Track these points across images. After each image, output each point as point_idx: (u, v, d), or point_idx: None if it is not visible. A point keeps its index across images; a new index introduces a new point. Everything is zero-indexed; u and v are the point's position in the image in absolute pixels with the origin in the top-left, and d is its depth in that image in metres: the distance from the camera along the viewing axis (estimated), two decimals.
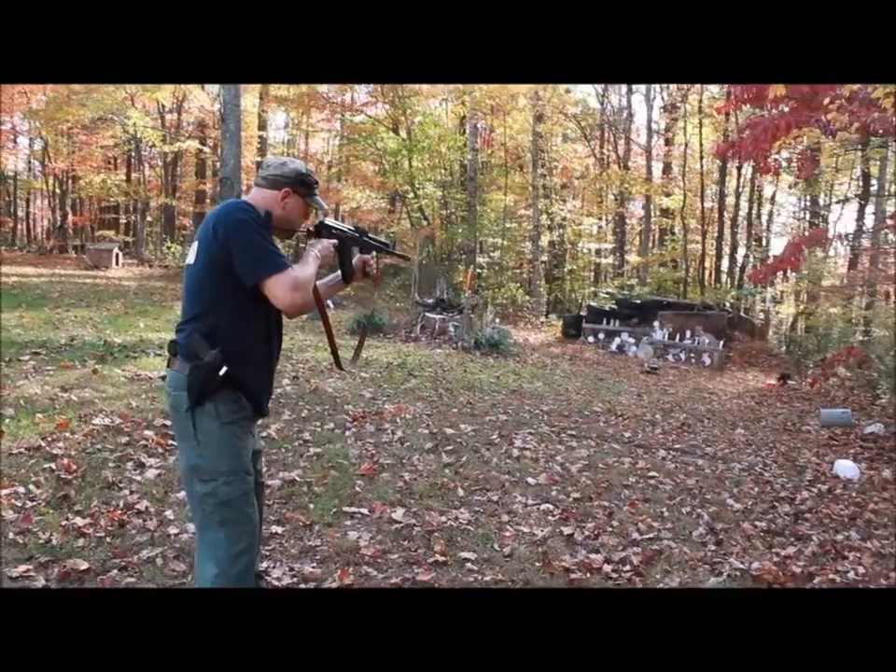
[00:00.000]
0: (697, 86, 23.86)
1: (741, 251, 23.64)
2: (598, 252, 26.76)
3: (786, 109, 9.11)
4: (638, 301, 19.03)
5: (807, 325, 20.82)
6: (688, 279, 24.19)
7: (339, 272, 2.77)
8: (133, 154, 27.37)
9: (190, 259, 2.45)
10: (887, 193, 21.38)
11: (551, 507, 4.68)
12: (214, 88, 24.94)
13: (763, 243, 25.85)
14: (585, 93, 27.17)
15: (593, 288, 24.88)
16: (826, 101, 6.03)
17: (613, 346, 17.39)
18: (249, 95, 22.88)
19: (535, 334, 18.91)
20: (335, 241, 2.67)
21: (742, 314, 20.34)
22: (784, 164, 9.16)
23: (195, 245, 2.44)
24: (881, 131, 7.04)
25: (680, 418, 8.73)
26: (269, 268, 2.28)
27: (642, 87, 24.52)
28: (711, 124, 24.48)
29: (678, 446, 6.94)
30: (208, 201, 25.50)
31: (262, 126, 25.04)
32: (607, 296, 23.24)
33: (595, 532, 4.32)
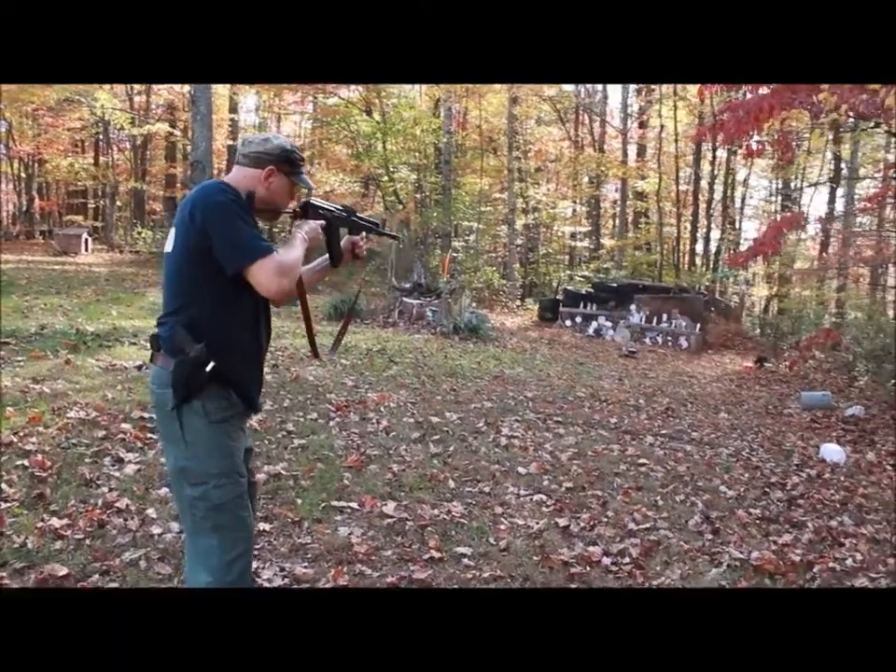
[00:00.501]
0: None
1: (715, 234, 23.69)
2: (573, 235, 26.65)
3: (765, 91, 9.08)
4: (615, 285, 18.98)
5: (780, 307, 21.00)
6: (663, 262, 24.25)
7: (326, 254, 2.60)
8: (101, 137, 26.74)
9: (168, 246, 2.27)
10: (858, 176, 21.54)
11: (544, 497, 4.57)
12: None
13: (737, 226, 25.93)
14: None
15: (568, 272, 24.79)
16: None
17: (590, 330, 17.37)
18: None
19: (511, 318, 18.83)
20: (322, 221, 2.49)
21: (717, 296, 20.39)
22: (768, 147, 9.07)
23: (172, 231, 2.26)
24: (867, 113, 6.99)
25: (664, 402, 8.68)
26: (252, 253, 2.11)
27: None
28: (685, 107, 24.48)
29: (664, 432, 6.87)
30: (179, 185, 24.99)
31: (233, 109, 24.54)
32: (582, 279, 23.21)
33: (591, 523, 4.22)
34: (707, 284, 20.38)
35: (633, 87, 23.83)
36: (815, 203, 32.63)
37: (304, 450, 4.82)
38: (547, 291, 24.27)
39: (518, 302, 21.78)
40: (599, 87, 26.07)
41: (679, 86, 23.98)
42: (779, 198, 25.45)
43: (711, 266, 22.31)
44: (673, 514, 4.55)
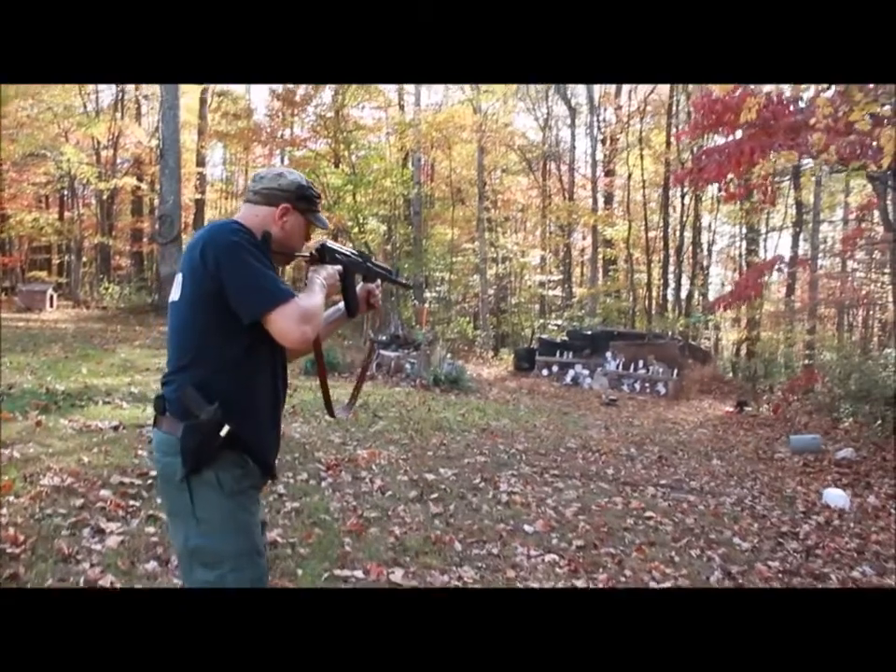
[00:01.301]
0: (636, 118, 24.26)
1: (685, 279, 23.89)
2: (543, 284, 26.73)
3: (738, 136, 9.14)
4: (589, 333, 18.92)
5: (749, 350, 21.08)
6: (635, 309, 24.36)
7: (339, 304, 2.38)
8: (66, 192, 26.35)
9: (175, 294, 2.02)
10: (820, 220, 21.94)
11: (556, 557, 4.30)
12: (151, 123, 24.43)
13: (706, 271, 26.20)
14: (527, 126, 27.40)
15: (541, 321, 24.76)
16: (812, 121, 5.90)
17: (568, 379, 17.22)
18: (186, 131, 22.32)
19: (487, 369, 18.65)
20: (339, 267, 2.28)
21: (691, 342, 20.43)
22: (756, 190, 9.10)
23: (179, 277, 2.02)
24: (849, 156, 7.01)
25: (655, 451, 8.50)
26: (272, 298, 1.88)
27: (584, 119, 24.80)
28: (650, 155, 24.88)
29: (663, 482, 6.66)
30: (145, 239, 24.66)
31: (201, 162, 24.42)
32: (556, 328, 23.20)
33: (609, 584, 3.97)
34: (680, 329, 20.41)
35: (598, 136, 24.14)
36: (779, 247, 33.12)
37: (299, 514, 4.51)
38: (519, 341, 24.20)
39: (492, 353, 21.66)
40: (567, 136, 26.47)
41: (645, 133, 24.46)
42: (744, 243, 25.81)
43: (683, 311, 22.38)
44: (692, 570, 4.31)
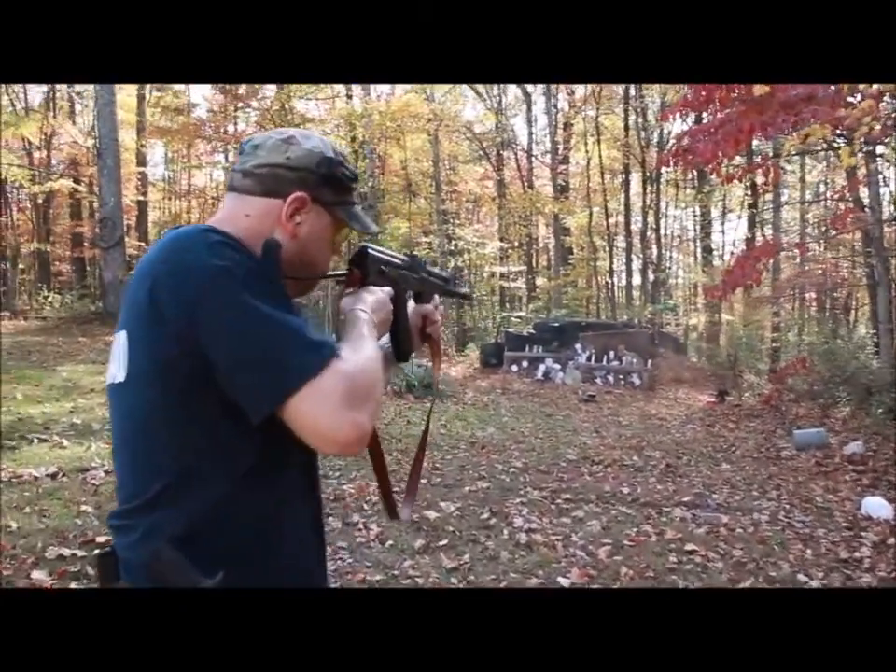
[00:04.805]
0: (591, 103, 23.65)
1: (650, 266, 23.41)
2: (504, 276, 26.01)
3: (721, 115, 8.50)
4: (557, 324, 18.22)
5: (711, 334, 20.72)
6: (599, 298, 23.85)
7: (382, 339, 1.43)
8: None
9: (118, 372, 1.13)
10: (796, 201, 21.72)
11: None
12: (87, 121, 23.01)
13: (667, 257, 25.84)
14: (479, 112, 26.64)
15: (504, 314, 24.06)
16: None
17: (539, 374, 16.51)
18: (125, 129, 20.99)
19: (453, 367, 17.86)
20: (389, 288, 1.39)
21: (662, 329, 19.95)
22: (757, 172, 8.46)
23: (120, 339, 1.14)
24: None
25: (658, 457, 7.86)
26: (299, 368, 1.02)
27: (541, 105, 24.14)
28: (605, 141, 24.33)
29: (686, 500, 5.95)
30: (86, 244, 23.17)
31: (142, 161, 23.04)
32: (519, 320, 22.51)
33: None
34: (648, 316, 19.90)
35: (554, 122, 23.47)
36: (732, 233, 33.02)
37: None
38: (482, 335, 23.46)
39: (455, 348, 20.90)
40: (520, 123, 25.79)
41: (601, 120, 23.90)
42: (698, 227, 25.46)
43: (650, 298, 21.89)
44: None
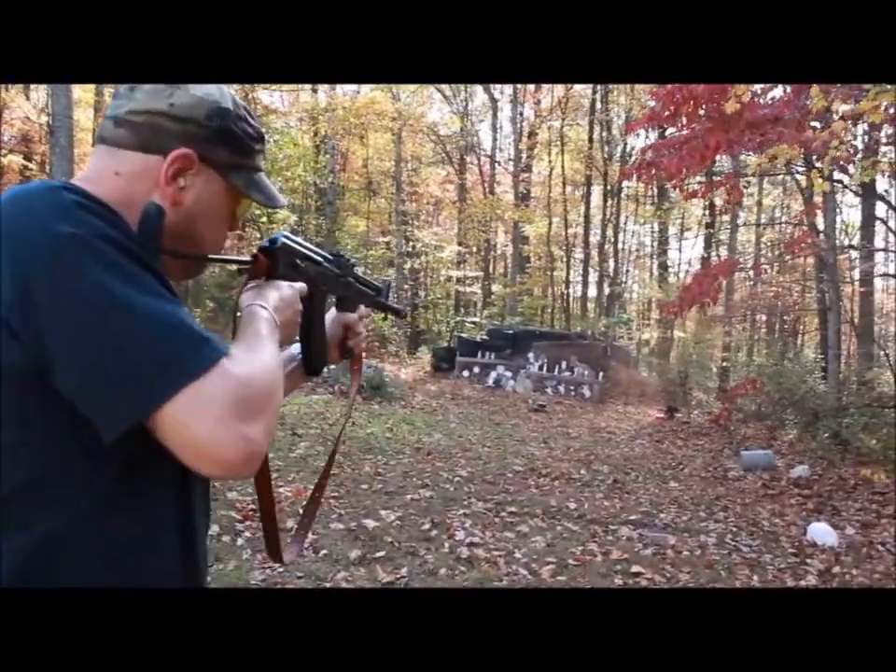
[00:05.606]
0: (557, 113, 23.67)
1: (606, 279, 23.48)
2: (460, 280, 25.86)
3: (687, 130, 8.44)
4: (510, 332, 18.11)
5: (661, 350, 20.85)
6: (554, 308, 23.83)
7: (293, 348, 1.29)
8: None
9: None
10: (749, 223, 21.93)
11: None
12: (41, 97, 22.26)
13: (623, 271, 25.98)
14: (444, 115, 26.48)
15: (458, 318, 23.91)
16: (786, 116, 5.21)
17: (490, 380, 16.40)
18: (81, 108, 20.29)
19: (404, 369, 17.66)
20: (303, 284, 1.15)
21: (614, 342, 19.96)
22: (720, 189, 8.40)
23: None
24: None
25: (605, 471, 7.75)
26: (174, 370, 0.79)
27: (507, 112, 24.03)
28: (569, 152, 24.35)
29: (633, 518, 5.81)
30: None
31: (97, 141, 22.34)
32: (473, 325, 22.37)
33: None
34: (602, 329, 19.90)
35: (519, 130, 23.41)
36: (688, 251, 33.41)
37: (214, 583, 3.40)
38: (435, 339, 23.26)
39: (407, 351, 20.67)
40: (485, 128, 25.68)
41: (566, 131, 23.92)
42: (656, 243, 25.67)
43: (604, 311, 21.93)
44: None
